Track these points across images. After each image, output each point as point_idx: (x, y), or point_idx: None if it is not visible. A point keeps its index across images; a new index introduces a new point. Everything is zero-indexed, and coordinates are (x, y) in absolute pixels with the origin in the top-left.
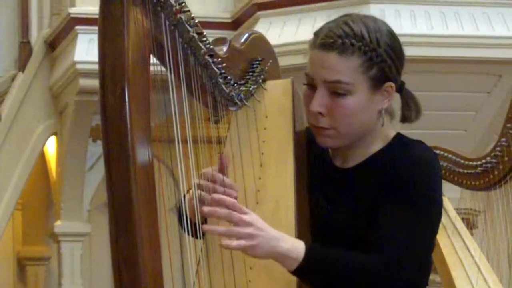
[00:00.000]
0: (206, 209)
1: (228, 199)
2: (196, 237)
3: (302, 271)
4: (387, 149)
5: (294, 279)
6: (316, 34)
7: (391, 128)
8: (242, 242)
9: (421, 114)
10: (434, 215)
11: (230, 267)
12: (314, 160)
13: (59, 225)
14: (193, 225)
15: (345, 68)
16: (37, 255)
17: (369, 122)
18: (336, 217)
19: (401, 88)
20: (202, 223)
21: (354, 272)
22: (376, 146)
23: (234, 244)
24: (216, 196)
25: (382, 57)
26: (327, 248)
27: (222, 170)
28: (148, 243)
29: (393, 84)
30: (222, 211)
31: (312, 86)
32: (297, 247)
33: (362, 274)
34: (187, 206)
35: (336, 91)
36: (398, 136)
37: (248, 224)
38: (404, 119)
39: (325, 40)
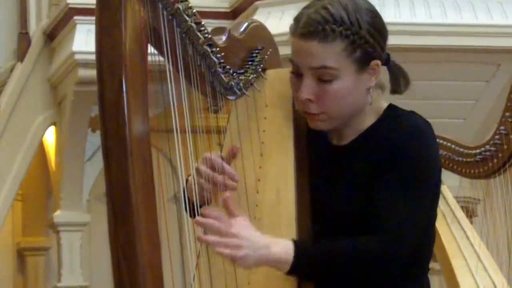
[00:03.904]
0: (200, 219)
1: (211, 221)
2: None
3: (297, 270)
4: (379, 123)
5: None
6: (296, 20)
7: (385, 101)
8: (230, 251)
9: (410, 84)
10: (432, 184)
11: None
12: (312, 141)
13: (58, 215)
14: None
15: (329, 54)
16: (37, 245)
17: (359, 102)
18: (335, 196)
19: (387, 61)
20: (204, 206)
21: (350, 257)
22: (369, 120)
23: (224, 252)
24: (200, 219)
25: (365, 38)
26: (318, 241)
27: (228, 159)
28: (147, 236)
29: (378, 62)
30: (214, 225)
31: (298, 74)
32: (288, 249)
33: (359, 257)
34: (194, 189)
35: (323, 77)
36: (390, 108)
37: (234, 235)
38: (394, 90)
39: (305, 29)
